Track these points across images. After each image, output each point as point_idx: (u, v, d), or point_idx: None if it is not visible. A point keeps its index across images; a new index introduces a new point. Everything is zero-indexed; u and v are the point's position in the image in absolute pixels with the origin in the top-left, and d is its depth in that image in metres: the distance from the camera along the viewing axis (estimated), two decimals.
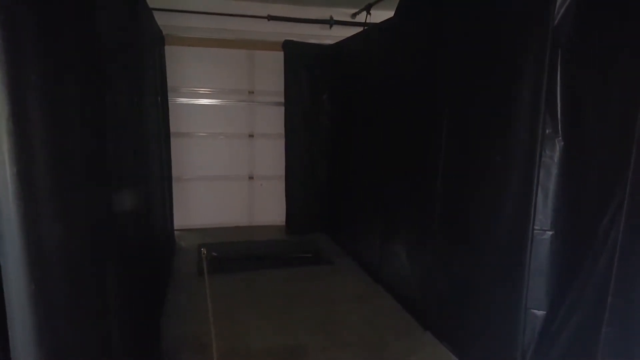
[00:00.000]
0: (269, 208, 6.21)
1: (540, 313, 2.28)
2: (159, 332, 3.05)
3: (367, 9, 5.33)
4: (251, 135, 6.07)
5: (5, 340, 0.96)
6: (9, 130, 0.90)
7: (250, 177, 6.17)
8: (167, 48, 5.15)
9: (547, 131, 2.21)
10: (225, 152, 6.02)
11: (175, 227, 5.61)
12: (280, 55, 5.59)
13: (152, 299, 3.08)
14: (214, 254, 4.91)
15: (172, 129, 5.29)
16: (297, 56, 5.59)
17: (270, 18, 5.44)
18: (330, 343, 3.19)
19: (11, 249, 0.92)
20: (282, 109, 5.73)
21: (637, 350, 2.18)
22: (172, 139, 5.29)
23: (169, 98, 5.15)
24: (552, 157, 2.20)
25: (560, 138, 2.18)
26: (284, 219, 6.04)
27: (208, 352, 2.94)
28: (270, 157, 6.08)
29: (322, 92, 5.79)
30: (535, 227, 2.24)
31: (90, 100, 1.50)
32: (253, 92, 5.97)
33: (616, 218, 2.24)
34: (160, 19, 4.56)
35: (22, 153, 0.93)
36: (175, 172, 5.49)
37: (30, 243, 0.95)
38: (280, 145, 5.85)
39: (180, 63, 5.55)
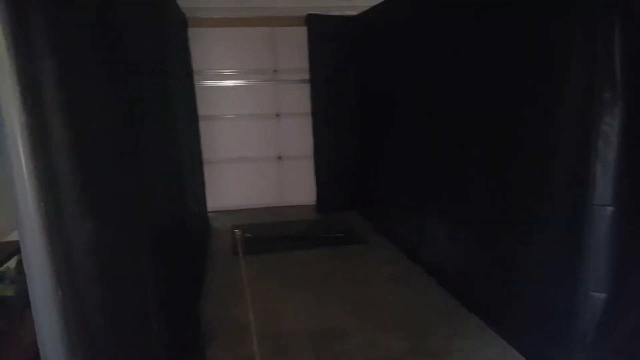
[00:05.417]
0: (298, 188, 6.16)
1: (601, 296, 2.08)
2: (199, 317, 3.07)
3: None
4: (278, 115, 5.98)
5: None
6: (23, 123, 0.83)
7: (279, 158, 6.11)
8: (189, 30, 5.06)
9: (605, 96, 2.00)
10: (252, 133, 5.97)
11: (209, 209, 5.67)
12: (302, 31, 5.43)
13: (190, 284, 3.09)
14: (248, 235, 4.93)
15: (200, 112, 5.29)
16: (321, 30, 5.42)
17: None
18: (369, 325, 3.13)
19: (34, 253, 0.86)
20: (308, 86, 5.60)
21: None
22: (200, 122, 5.28)
23: (194, 81, 5.10)
24: (611, 125, 1.99)
25: (620, 103, 1.97)
26: (314, 198, 5.99)
27: (247, 335, 2.94)
28: (298, 136, 5.98)
29: (349, 66, 5.60)
30: (594, 202, 2.05)
31: (113, 87, 1.43)
32: (277, 71, 5.85)
33: None
34: (181, 0, 4.47)
35: (40, 147, 0.87)
36: (205, 154, 5.52)
37: (55, 245, 0.88)
38: (307, 124, 5.74)
39: (204, 45, 5.47)
